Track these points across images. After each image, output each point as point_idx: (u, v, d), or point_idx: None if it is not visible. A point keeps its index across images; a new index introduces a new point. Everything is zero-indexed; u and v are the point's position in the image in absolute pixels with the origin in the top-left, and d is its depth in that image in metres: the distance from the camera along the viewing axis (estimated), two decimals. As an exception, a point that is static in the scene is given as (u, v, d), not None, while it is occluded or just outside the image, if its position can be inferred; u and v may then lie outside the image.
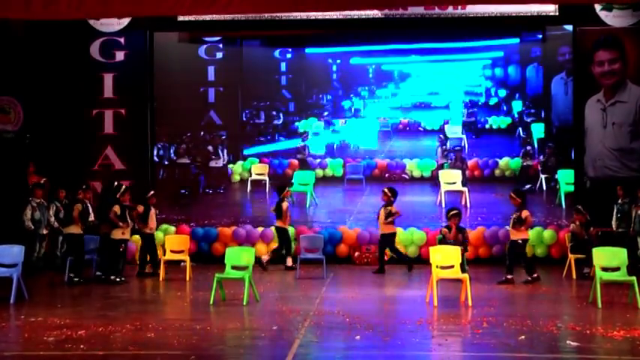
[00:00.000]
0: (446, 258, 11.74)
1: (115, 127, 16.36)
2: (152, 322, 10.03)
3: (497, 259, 14.95)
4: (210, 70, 19.57)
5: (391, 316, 10.71)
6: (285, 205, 14.80)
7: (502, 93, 20.96)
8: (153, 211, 14.22)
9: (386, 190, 14.61)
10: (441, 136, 20.05)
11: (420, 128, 20.92)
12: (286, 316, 10.50)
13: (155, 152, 17.87)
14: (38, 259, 14.40)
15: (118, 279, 13.27)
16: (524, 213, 13.20)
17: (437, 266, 11.56)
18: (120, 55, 16.33)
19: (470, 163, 19.39)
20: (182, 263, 14.25)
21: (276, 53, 20.80)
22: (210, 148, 19.60)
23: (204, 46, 19.24)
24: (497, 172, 19.50)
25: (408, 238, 15.43)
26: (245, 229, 15.79)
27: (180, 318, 10.53)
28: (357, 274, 14.43)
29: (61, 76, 16.14)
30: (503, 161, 19.57)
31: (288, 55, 20.86)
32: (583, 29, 15.66)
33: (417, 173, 19.87)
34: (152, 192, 14.52)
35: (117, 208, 13.52)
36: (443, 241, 13.28)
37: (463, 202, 17.43)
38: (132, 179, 16.05)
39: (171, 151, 19.25)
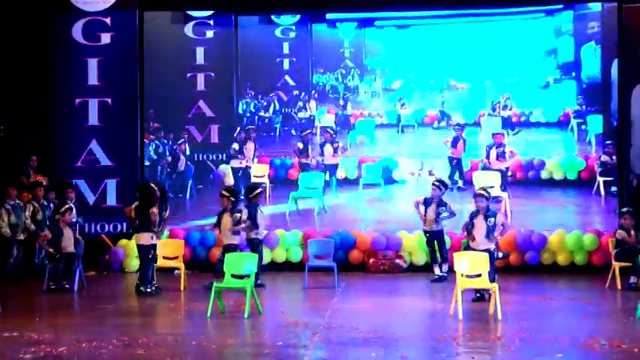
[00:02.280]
0: (472, 265, 11.72)
1: (100, 118, 16.42)
2: (142, 337, 10.05)
3: (531, 267, 14.92)
4: (199, 52, 18.80)
5: (411, 331, 10.69)
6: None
7: (554, 75, 19.98)
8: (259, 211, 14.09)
9: (436, 182, 14.58)
10: (457, 126, 19.19)
11: (450, 121, 20.32)
12: (293, 330, 10.51)
13: (153, 148, 17.88)
14: (14, 266, 14.47)
15: (148, 289, 13.20)
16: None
17: (462, 275, 11.55)
18: (106, 38, 16.39)
19: (511, 163, 18.09)
20: (176, 271, 14.28)
21: (278, 32, 20.37)
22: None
23: (192, 22, 18.43)
24: (544, 174, 18.62)
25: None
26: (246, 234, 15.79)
27: (174, 332, 10.55)
28: (372, 283, 14.43)
29: (40, 61, 16.21)
30: (553, 161, 18.64)
31: (292, 35, 20.53)
32: (630, 6, 15.54)
33: (445, 177, 18.92)
34: (259, 189, 14.34)
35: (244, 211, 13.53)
36: (469, 246, 13.26)
37: (502, 210, 16.57)
38: (119, 177, 16.12)
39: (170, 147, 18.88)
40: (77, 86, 16.40)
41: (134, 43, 16.38)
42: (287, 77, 21.04)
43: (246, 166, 18.60)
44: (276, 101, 21.39)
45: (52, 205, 14.90)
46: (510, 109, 19.93)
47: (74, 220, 14.27)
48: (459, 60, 20.64)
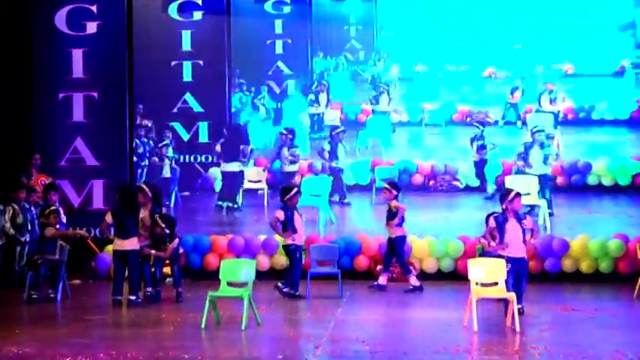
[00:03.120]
0: (488, 273, 11.72)
1: (86, 113, 16.42)
2: (131, 350, 10.06)
3: (552, 275, 14.89)
4: (186, 36, 18.05)
5: (421, 344, 10.69)
6: (142, 214, 13.34)
7: (631, 58, 18.55)
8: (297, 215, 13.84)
9: (387, 185, 14.42)
10: (476, 123, 18.82)
11: (487, 118, 19.55)
12: (294, 342, 10.51)
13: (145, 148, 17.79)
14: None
15: (140, 299, 13.22)
16: (393, 203, 13.89)
17: (477, 283, 11.54)
18: (91, 27, 16.38)
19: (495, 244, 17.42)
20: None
21: (269, 6, 19.21)
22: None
23: (177, 1, 17.81)
24: (590, 178, 17.89)
25: (441, 248, 15.41)
26: (244, 238, 15.81)
27: (166, 345, 10.56)
28: (380, 292, 14.41)
29: (20, 52, 16.22)
30: (601, 164, 17.80)
31: (286, 9, 19.22)
32: None
33: (474, 180, 19.01)
34: (295, 190, 14.07)
35: (280, 214, 13.55)
36: (483, 252, 13.26)
37: (541, 221, 16.20)
38: (107, 177, 16.11)
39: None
40: (60, 79, 16.40)
41: (122, 32, 16.35)
42: (280, 63, 20.37)
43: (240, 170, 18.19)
44: (266, 94, 20.78)
45: (33, 208, 14.89)
46: (563, 101, 18.47)
47: (60, 224, 14.25)
48: (501, 39, 19.04)
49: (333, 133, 18.57)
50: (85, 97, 16.45)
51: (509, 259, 11.90)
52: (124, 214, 13.24)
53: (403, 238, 14.37)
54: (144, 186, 13.86)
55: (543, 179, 16.63)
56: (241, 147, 17.81)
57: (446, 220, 17.06)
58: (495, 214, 12.50)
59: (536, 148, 16.62)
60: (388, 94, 20.41)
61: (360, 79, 22.76)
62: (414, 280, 14.19)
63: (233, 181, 17.83)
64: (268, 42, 20.42)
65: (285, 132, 18.65)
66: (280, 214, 13.68)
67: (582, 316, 12.42)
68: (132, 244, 13.23)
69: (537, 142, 16.78)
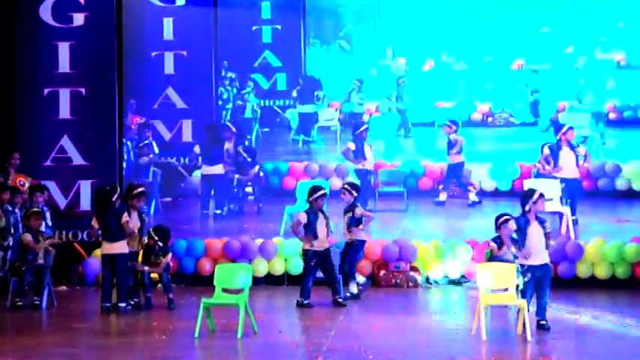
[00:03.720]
0: (498, 279, 11.71)
1: (72, 110, 16.42)
2: (120, 360, 10.06)
3: (565, 281, 14.89)
4: (167, 24, 17.62)
5: (427, 353, 10.70)
6: (125, 218, 13.23)
7: None
8: None
9: (346, 186, 14.22)
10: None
11: (511, 118, 19.06)
12: (292, 352, 10.51)
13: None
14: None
15: (129, 306, 13.24)
16: (359, 210, 13.78)
17: (486, 289, 11.53)
18: (78, 19, 16.37)
19: (550, 168, 16.37)
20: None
21: None
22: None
23: None
24: (619, 183, 17.37)
25: (447, 253, 15.41)
26: (240, 242, 15.81)
27: (157, 355, 10.56)
28: (383, 298, 14.43)
29: (2, 46, 16.22)
30: (631, 167, 17.23)
31: None
32: None
33: (489, 184, 18.33)
34: (322, 192, 13.83)
35: (302, 217, 13.48)
36: (491, 257, 13.25)
37: (564, 231, 15.84)
38: (95, 178, 16.11)
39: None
40: (46, 74, 16.39)
41: (111, 24, 16.34)
42: (268, 54, 20.08)
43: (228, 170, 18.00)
44: (252, 89, 20.40)
45: (17, 210, 14.88)
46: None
47: (43, 228, 14.22)
48: (531, 25, 17.81)
49: (357, 132, 17.87)
50: (72, 92, 16.44)
51: (529, 268, 11.58)
52: (107, 217, 13.22)
53: (363, 243, 14.28)
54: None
55: (573, 184, 16.09)
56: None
57: (455, 229, 16.59)
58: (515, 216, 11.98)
59: (566, 150, 16.19)
60: (399, 90, 20.96)
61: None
62: (353, 288, 13.95)
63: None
64: (254, 28, 20.01)
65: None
66: (303, 217, 13.52)
67: (597, 325, 12.41)
68: (120, 247, 13.21)
69: (566, 143, 16.15)
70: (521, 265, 11.74)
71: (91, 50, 16.33)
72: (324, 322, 12.34)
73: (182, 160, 18.24)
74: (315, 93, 21.51)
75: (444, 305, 13.99)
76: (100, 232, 13.35)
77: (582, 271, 15.19)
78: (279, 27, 20.69)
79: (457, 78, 20.18)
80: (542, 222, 11.71)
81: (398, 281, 15.30)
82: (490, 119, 19.94)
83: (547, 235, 11.70)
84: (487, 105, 19.40)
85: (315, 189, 13.83)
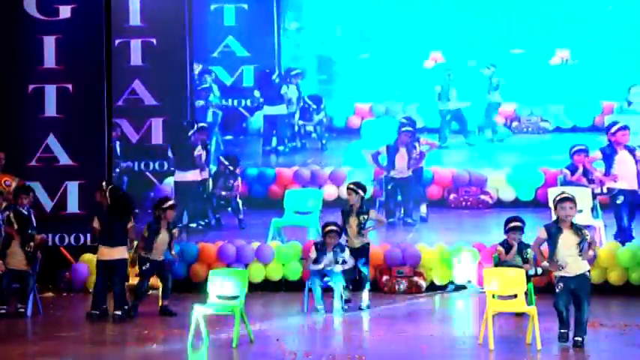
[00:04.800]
0: (506, 285, 11.74)
1: (59, 108, 16.45)
2: (109, 370, 10.11)
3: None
4: (133, 6, 16.79)
5: (432, 363, 10.75)
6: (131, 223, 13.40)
7: None
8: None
9: (351, 186, 13.96)
10: (404, 119, 17.28)
11: (542, 123, 17.84)
12: (290, 362, 10.55)
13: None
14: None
15: (124, 313, 13.23)
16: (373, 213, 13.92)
17: (493, 296, 11.57)
18: (65, 11, 16.40)
19: (601, 175, 15.16)
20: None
21: None
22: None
23: None
24: None
25: (453, 257, 15.45)
26: (235, 246, 15.84)
27: (148, 365, 10.60)
28: (386, 305, 14.46)
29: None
30: None
31: None
32: None
33: (507, 193, 17.75)
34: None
35: None
36: (499, 262, 13.30)
37: (597, 244, 14.30)
38: (83, 179, 16.13)
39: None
40: (30, 70, 16.42)
41: (100, 17, 16.36)
42: (231, 39, 19.00)
43: (204, 179, 16.91)
44: (213, 85, 19.02)
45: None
46: None
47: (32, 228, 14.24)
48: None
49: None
50: (59, 89, 16.46)
51: (561, 279, 11.02)
52: (112, 219, 13.24)
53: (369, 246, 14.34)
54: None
55: (633, 197, 14.96)
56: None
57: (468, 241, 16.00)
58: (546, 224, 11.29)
59: (623, 154, 14.78)
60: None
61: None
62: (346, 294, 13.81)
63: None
64: (213, 7, 18.28)
65: (404, 120, 17.45)
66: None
67: (611, 333, 12.41)
68: (121, 252, 13.25)
69: (622, 146, 14.80)
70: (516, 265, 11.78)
71: (78, 44, 16.33)
72: (325, 331, 12.37)
73: (152, 165, 17.27)
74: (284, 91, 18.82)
75: (449, 312, 14.03)
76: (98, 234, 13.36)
77: (595, 276, 15.11)
78: (245, 6, 18.65)
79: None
80: (578, 229, 10.94)
81: (402, 287, 15.34)
82: (515, 124, 18.58)
83: (582, 243, 10.87)
84: (512, 106, 18.02)
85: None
